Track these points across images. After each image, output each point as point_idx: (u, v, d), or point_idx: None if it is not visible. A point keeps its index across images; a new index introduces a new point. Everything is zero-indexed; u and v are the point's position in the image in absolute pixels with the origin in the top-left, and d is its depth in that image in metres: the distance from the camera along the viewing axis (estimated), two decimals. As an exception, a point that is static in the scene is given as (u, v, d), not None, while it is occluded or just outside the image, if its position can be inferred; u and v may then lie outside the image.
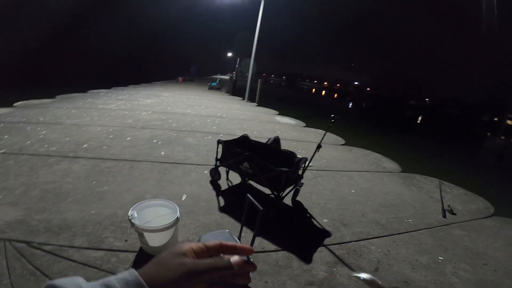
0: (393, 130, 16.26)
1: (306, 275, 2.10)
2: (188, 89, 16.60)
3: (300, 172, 3.00)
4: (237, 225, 2.54)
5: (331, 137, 7.28)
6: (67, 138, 4.37)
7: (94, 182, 3.04)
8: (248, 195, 1.41)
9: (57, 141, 4.19)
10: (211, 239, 1.77)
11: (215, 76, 42.80)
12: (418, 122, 31.34)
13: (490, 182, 6.98)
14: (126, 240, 2.16)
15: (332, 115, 2.79)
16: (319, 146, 2.88)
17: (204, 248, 0.39)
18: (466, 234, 3.13)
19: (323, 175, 4.26)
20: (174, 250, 0.38)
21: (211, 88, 18.28)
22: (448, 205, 3.80)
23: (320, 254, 2.37)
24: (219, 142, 3.13)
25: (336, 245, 2.54)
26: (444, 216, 3.51)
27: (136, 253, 2.04)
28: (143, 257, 2.01)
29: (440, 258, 2.59)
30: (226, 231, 1.84)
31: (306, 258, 2.29)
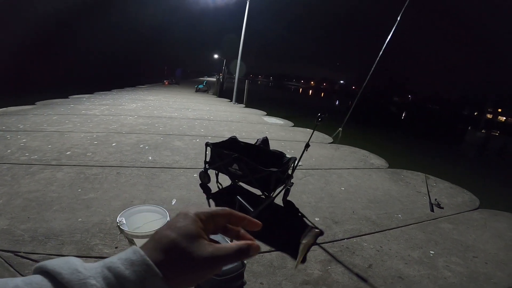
0: (379, 127, 16.62)
1: (301, 275, 2.10)
2: (174, 92, 16.39)
3: (289, 171, 3.01)
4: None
5: (319, 135, 7.36)
6: (49, 146, 4.21)
7: (79, 190, 2.94)
8: (238, 197, 1.40)
9: (39, 149, 4.03)
10: None
11: (201, 78, 42.46)
12: (402, 118, 32.21)
13: (473, 175, 7.23)
14: (116, 247, 2.11)
15: (319, 114, 2.81)
16: (307, 145, 2.90)
17: (211, 216, 0.36)
18: (454, 227, 3.21)
19: (312, 174, 4.30)
20: (184, 228, 0.33)
21: (198, 90, 18.12)
22: (435, 199, 3.88)
23: (314, 253, 2.38)
24: (207, 144, 3.09)
25: (329, 243, 2.56)
26: (432, 210, 3.59)
27: None
28: None
29: (431, 252, 2.64)
30: (218, 234, 1.81)
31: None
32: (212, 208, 0.37)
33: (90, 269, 0.28)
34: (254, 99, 15.43)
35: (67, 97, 9.87)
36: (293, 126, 8.77)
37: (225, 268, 1.46)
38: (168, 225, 0.34)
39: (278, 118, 9.89)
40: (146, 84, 20.51)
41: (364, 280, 2.15)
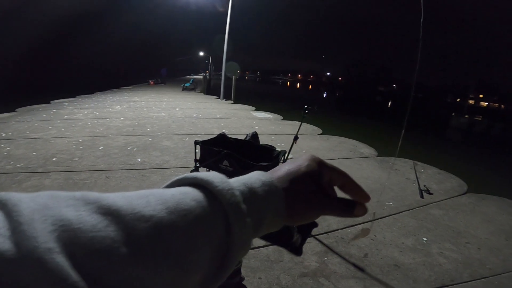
0: (367, 116, 16.89)
1: (298, 267, 2.13)
2: (161, 92, 16.14)
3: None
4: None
5: (308, 127, 7.42)
6: (34, 153, 4.09)
7: None
8: None
9: (23, 157, 3.91)
10: None
11: (188, 76, 41.91)
12: (388, 107, 32.81)
13: (459, 159, 7.43)
14: None
15: (306, 106, 2.83)
16: (296, 138, 2.92)
17: (332, 170, 0.37)
18: (444, 213, 3.28)
19: (304, 166, 4.34)
20: (311, 167, 0.35)
21: (185, 89, 17.91)
22: (424, 185, 3.94)
23: (310, 245, 2.40)
24: (196, 142, 3.06)
25: (324, 235, 2.59)
26: (422, 197, 3.65)
27: None
28: None
29: (424, 239, 2.69)
30: None
31: (297, 250, 2.32)
32: (333, 165, 0.38)
33: (232, 181, 0.30)
34: (242, 95, 15.36)
35: (48, 102, 9.56)
36: (282, 119, 8.81)
37: None
38: (296, 161, 0.36)
39: (267, 112, 9.90)
40: (130, 85, 20.10)
41: (361, 269, 2.19)
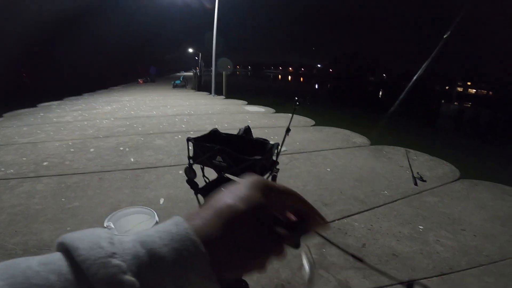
0: (358, 106, 17.00)
1: (297, 260, 2.10)
2: (151, 90, 15.89)
3: (274, 158, 3.02)
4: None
5: (301, 119, 7.43)
6: (24, 158, 3.99)
7: (63, 200, 2.85)
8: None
9: (13, 163, 3.82)
10: None
11: (178, 74, 41.41)
12: (380, 96, 33.07)
13: (451, 146, 7.56)
14: None
15: (296, 98, 2.82)
16: (288, 130, 2.91)
17: (281, 192, 0.30)
18: (439, 200, 3.30)
19: (298, 158, 4.35)
20: (249, 198, 0.27)
21: (175, 86, 17.67)
22: (417, 173, 3.97)
23: (307, 238, 2.42)
24: (188, 139, 3.04)
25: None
26: (416, 184, 3.67)
27: None
28: None
29: (420, 227, 2.70)
30: None
31: (295, 243, 2.32)
32: (282, 185, 0.31)
33: (118, 244, 0.22)
34: (234, 90, 15.27)
35: (35, 106, 9.33)
36: (274, 112, 8.79)
37: None
38: (233, 192, 0.28)
39: (260, 106, 9.86)
40: (119, 85, 19.73)
41: (359, 259, 2.19)
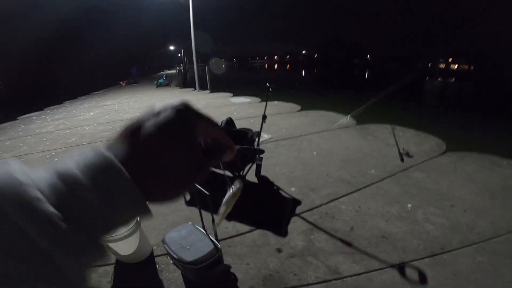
0: (345, 88, 17.03)
1: (285, 249, 2.11)
2: (134, 91, 15.55)
3: (255, 146, 2.98)
4: (210, 216, 2.47)
5: (286, 106, 7.40)
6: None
7: None
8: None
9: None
10: (176, 236, 1.71)
11: (161, 72, 40.65)
12: (366, 78, 33.18)
13: (436, 120, 7.61)
14: None
15: (268, 84, 2.76)
16: (264, 117, 2.86)
17: (204, 124, 0.29)
18: (426, 175, 3.26)
19: (284, 145, 4.32)
20: (183, 119, 0.26)
21: (159, 85, 17.31)
22: (403, 148, 3.95)
23: (295, 225, 2.39)
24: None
25: (308, 212, 2.57)
26: (402, 160, 3.66)
27: (113, 265, 1.97)
28: (121, 268, 1.95)
29: (409, 205, 2.65)
30: (189, 223, 1.78)
31: (282, 231, 2.29)
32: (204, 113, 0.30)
33: (33, 174, 0.20)
34: (219, 83, 15.05)
35: (15, 119, 9.04)
36: (260, 101, 8.71)
37: (199, 256, 1.42)
38: (148, 113, 0.26)
39: (245, 96, 9.76)
40: (101, 89, 19.25)
41: (348, 244, 2.15)
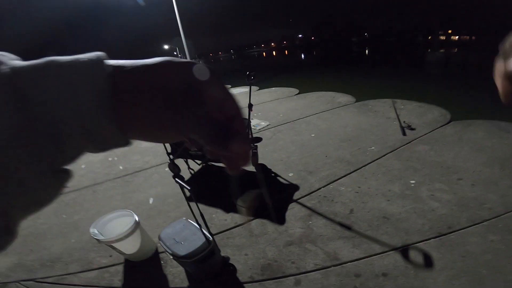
0: (345, 67, 16.67)
1: (283, 237, 2.10)
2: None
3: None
4: (209, 209, 2.53)
5: (284, 91, 7.37)
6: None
7: (64, 216, 2.97)
8: (176, 179, 1.40)
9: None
10: (170, 232, 1.77)
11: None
12: (367, 54, 32.29)
13: (439, 91, 7.32)
14: (110, 256, 2.21)
15: (248, 73, 2.75)
16: (250, 106, 2.84)
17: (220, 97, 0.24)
18: (430, 147, 3.09)
19: (281, 130, 4.33)
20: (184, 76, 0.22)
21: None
22: (404, 121, 3.82)
23: (293, 211, 2.36)
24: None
25: (306, 197, 2.52)
26: (404, 134, 3.52)
27: (123, 264, 2.10)
28: (130, 267, 2.07)
29: (411, 182, 2.50)
30: (183, 218, 1.85)
31: (280, 219, 2.26)
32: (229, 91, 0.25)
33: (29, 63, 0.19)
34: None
35: None
36: (258, 89, 8.68)
37: (192, 250, 1.46)
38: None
39: (243, 86, 9.72)
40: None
41: (348, 227, 2.08)
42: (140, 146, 4.90)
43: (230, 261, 1.94)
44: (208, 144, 0.23)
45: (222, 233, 2.23)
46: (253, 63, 41.16)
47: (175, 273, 1.93)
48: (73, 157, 0.22)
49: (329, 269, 1.78)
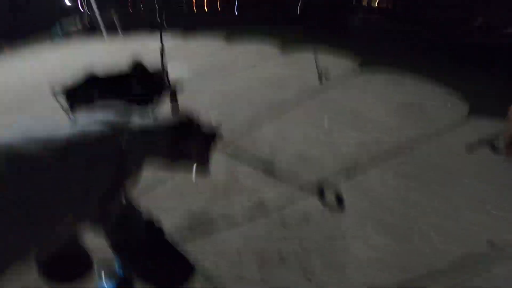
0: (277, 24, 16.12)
1: (209, 190, 2.05)
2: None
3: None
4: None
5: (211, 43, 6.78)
6: None
7: None
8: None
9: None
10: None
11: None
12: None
13: (359, 49, 7.61)
14: None
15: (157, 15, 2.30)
16: (162, 49, 2.59)
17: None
18: (342, 95, 3.44)
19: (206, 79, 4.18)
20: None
21: (56, 37, 13.83)
22: (321, 71, 3.99)
23: (217, 163, 2.33)
24: (55, 93, 2.46)
25: (228, 147, 2.56)
26: (321, 83, 3.77)
27: None
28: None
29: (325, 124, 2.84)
30: None
31: (204, 173, 2.29)
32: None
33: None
34: (135, 26, 12.81)
35: None
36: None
37: None
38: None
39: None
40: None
41: (270, 173, 2.19)
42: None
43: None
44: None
45: (146, 195, 2.00)
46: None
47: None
48: None
49: (257, 218, 1.84)
